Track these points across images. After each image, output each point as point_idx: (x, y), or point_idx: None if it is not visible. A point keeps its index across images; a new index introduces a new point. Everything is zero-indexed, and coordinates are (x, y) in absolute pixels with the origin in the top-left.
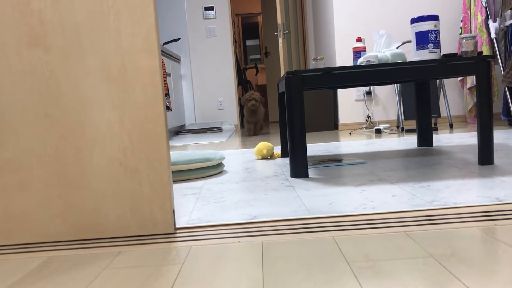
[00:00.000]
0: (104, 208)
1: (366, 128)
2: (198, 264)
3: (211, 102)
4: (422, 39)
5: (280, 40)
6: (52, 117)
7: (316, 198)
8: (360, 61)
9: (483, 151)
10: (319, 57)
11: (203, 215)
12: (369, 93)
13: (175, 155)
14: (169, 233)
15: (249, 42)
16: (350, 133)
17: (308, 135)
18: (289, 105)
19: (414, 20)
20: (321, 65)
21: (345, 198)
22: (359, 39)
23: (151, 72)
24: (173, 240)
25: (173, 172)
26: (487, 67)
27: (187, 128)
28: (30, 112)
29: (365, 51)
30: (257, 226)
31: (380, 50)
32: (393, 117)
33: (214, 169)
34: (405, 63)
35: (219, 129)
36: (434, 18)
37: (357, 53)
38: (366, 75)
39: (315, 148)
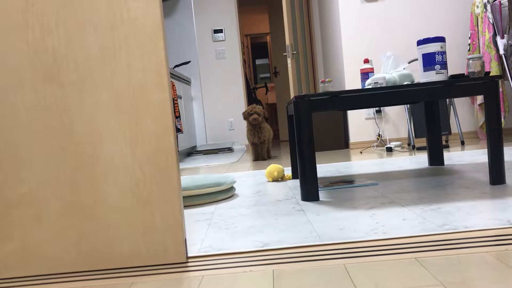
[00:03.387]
0: (117, 238)
1: (377, 146)
2: None
3: (222, 122)
4: (429, 61)
5: (289, 61)
6: (66, 150)
7: (327, 223)
8: (367, 82)
9: (494, 171)
10: (327, 80)
11: (214, 242)
12: (379, 111)
13: (186, 180)
14: (181, 262)
15: (258, 61)
16: (361, 152)
17: (319, 155)
18: (298, 129)
19: (420, 42)
20: (329, 87)
21: (356, 223)
22: (366, 61)
23: (161, 105)
24: (185, 270)
25: (184, 197)
26: (494, 87)
27: (199, 149)
28: (46, 145)
29: (373, 72)
30: (268, 254)
31: (388, 72)
32: (404, 134)
33: (225, 193)
34: (412, 85)
35: (230, 150)
36: (440, 39)
37: (365, 74)
38: (373, 98)
39: (325, 168)
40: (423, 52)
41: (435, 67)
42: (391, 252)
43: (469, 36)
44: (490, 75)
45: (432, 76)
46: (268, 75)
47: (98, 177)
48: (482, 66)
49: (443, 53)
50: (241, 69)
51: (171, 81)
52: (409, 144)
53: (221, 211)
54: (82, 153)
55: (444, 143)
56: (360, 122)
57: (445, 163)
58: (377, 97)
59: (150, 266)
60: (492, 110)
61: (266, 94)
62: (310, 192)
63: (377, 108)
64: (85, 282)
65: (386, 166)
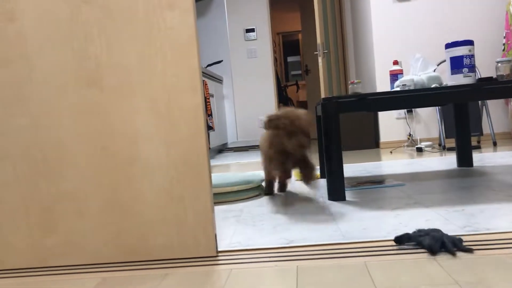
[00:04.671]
0: (152, 233)
1: (407, 146)
2: (240, 285)
3: (252, 120)
4: (457, 64)
5: (320, 60)
6: (107, 150)
7: (352, 222)
8: (396, 84)
9: None
10: (356, 81)
11: (243, 238)
12: (410, 111)
13: (216, 178)
14: (212, 256)
15: (290, 59)
16: (391, 152)
17: (348, 154)
18: (325, 130)
19: (448, 46)
20: (358, 88)
21: (380, 223)
22: (395, 62)
23: (194, 108)
24: (215, 263)
25: (215, 194)
26: None
27: (230, 146)
28: (88, 145)
29: (402, 74)
30: (293, 250)
31: (416, 74)
32: (435, 134)
33: (254, 191)
34: (439, 88)
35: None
36: (469, 43)
37: (394, 76)
38: (400, 100)
39: (354, 168)
40: (451, 55)
41: (463, 70)
42: (410, 252)
43: (504, 35)
44: None
45: (460, 79)
46: (299, 72)
47: (135, 176)
48: (511, 69)
49: (471, 56)
50: (272, 68)
51: (204, 80)
52: (440, 145)
53: (250, 209)
54: (121, 153)
55: (476, 143)
56: (391, 122)
57: (475, 164)
58: (404, 100)
59: (182, 259)
60: None
61: (297, 92)
62: (336, 192)
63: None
64: (121, 272)
65: (414, 167)
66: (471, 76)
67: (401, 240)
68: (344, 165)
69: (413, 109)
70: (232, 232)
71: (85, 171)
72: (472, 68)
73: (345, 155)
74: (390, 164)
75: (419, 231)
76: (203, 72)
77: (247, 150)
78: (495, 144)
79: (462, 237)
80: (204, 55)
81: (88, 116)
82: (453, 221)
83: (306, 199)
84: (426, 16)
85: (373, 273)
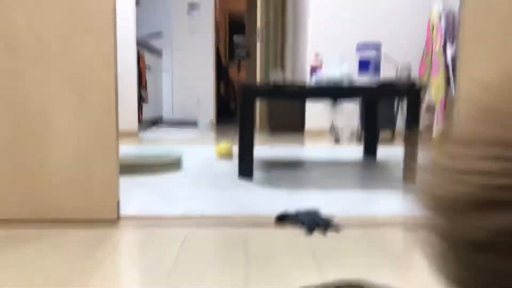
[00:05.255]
0: (59, 195)
1: (329, 134)
2: (130, 245)
3: (190, 96)
4: (364, 65)
5: (258, 44)
6: (21, 114)
7: (250, 199)
8: (313, 77)
9: (407, 168)
10: (276, 70)
11: (148, 206)
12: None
13: (137, 150)
14: (113, 220)
15: (236, 39)
16: (311, 138)
17: (272, 137)
18: (241, 113)
19: (358, 47)
20: (278, 76)
21: (274, 201)
22: (316, 56)
23: (106, 84)
24: (114, 226)
25: (133, 166)
26: (416, 93)
27: (164, 120)
28: (2, 108)
29: (321, 67)
30: (186, 219)
31: (332, 69)
32: (356, 126)
33: (172, 165)
34: (339, 86)
35: (194, 124)
36: (376, 46)
37: (314, 69)
38: (310, 92)
39: (273, 151)
40: (359, 56)
41: (369, 71)
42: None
43: (425, 41)
44: (436, 81)
45: (366, 78)
46: (244, 53)
47: (46, 141)
48: (409, 73)
49: (377, 58)
50: (213, 46)
51: (140, 51)
52: (358, 136)
53: (163, 181)
54: (34, 119)
55: (389, 138)
56: (316, 110)
57: (379, 157)
58: (311, 93)
59: (86, 220)
60: (412, 111)
61: (238, 72)
62: (245, 171)
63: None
64: (27, 229)
65: (326, 154)
66: (375, 76)
67: (282, 218)
68: (263, 147)
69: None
70: (139, 201)
71: None
72: (378, 69)
73: (270, 137)
74: (307, 149)
75: (300, 211)
76: (140, 44)
77: (181, 126)
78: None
79: (335, 218)
80: (145, 25)
81: (2, 79)
82: (337, 204)
83: (218, 176)
84: (359, 15)
85: (248, 242)
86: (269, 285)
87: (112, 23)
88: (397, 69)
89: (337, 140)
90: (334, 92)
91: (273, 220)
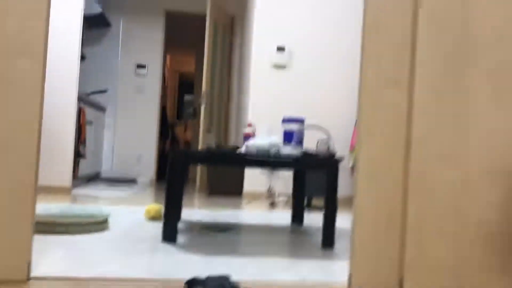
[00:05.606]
0: None
1: (266, 198)
2: None
3: (131, 153)
4: (288, 137)
5: (202, 107)
6: None
7: (166, 262)
8: (244, 145)
9: (326, 236)
10: (210, 134)
11: (62, 268)
12: None
13: (62, 208)
14: (22, 281)
15: (186, 97)
16: (247, 202)
17: (210, 199)
18: (169, 177)
19: (284, 120)
20: (212, 141)
21: (190, 266)
22: (249, 125)
23: (29, 145)
24: (23, 287)
25: (55, 224)
26: (335, 166)
27: (102, 176)
28: None
29: (254, 135)
30: (99, 281)
31: (261, 138)
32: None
33: (97, 225)
34: (263, 156)
35: (133, 181)
36: (300, 120)
37: (247, 137)
38: (236, 160)
39: (208, 214)
40: (285, 128)
41: (292, 143)
42: None
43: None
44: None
45: (289, 150)
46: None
47: None
48: (329, 147)
49: (300, 132)
50: (158, 106)
51: (82, 107)
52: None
53: (84, 241)
54: None
55: (322, 205)
56: (255, 173)
57: (306, 223)
58: (239, 160)
59: None
60: (331, 183)
61: (185, 131)
62: (169, 234)
63: None
64: None
65: (258, 219)
66: (298, 148)
67: (191, 283)
68: (199, 209)
69: None
70: (53, 261)
71: None
72: (300, 141)
73: (208, 199)
74: (242, 213)
75: (210, 277)
76: (82, 100)
77: (119, 183)
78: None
79: (242, 284)
80: (91, 82)
81: None
82: (248, 269)
83: (142, 239)
84: (296, 86)
85: None
86: None
87: (40, 88)
88: (317, 142)
89: (272, 205)
90: (261, 161)
91: (183, 285)
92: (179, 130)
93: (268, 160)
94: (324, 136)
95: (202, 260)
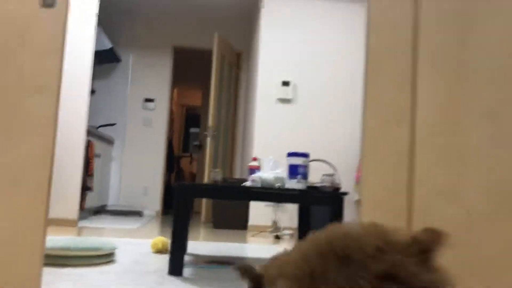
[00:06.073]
0: None
1: (271, 232)
2: None
3: (137, 186)
4: (293, 171)
5: (208, 140)
6: None
7: None
8: (250, 178)
9: None
10: (216, 170)
11: None
12: None
13: (68, 241)
14: None
15: (192, 130)
16: (253, 235)
17: (216, 232)
18: (176, 211)
19: (289, 154)
20: (218, 176)
21: None
22: (254, 159)
23: (41, 180)
24: None
25: (62, 257)
26: (339, 201)
27: (109, 209)
28: None
29: (259, 169)
30: None
31: (266, 172)
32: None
33: (103, 258)
34: (269, 189)
35: (139, 214)
36: (305, 155)
37: (252, 170)
38: (242, 193)
39: (213, 247)
40: (290, 163)
41: (297, 177)
42: None
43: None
44: None
45: (294, 184)
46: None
47: None
48: (333, 182)
49: (305, 166)
50: (165, 139)
51: (90, 140)
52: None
53: (91, 274)
54: None
55: None
56: (260, 207)
57: None
58: (245, 194)
59: None
60: (335, 218)
61: (190, 163)
62: (175, 267)
63: None
64: None
65: (264, 252)
66: (303, 183)
67: None
68: (205, 242)
69: None
70: None
71: None
72: (305, 176)
73: (214, 232)
74: (247, 247)
75: None
76: (91, 133)
77: (125, 215)
78: None
79: None
80: (100, 115)
81: None
82: None
83: (149, 272)
84: (301, 120)
85: None
86: None
87: (53, 124)
88: (321, 178)
89: (277, 238)
90: (266, 194)
91: None
92: (184, 163)
93: (273, 193)
94: (329, 170)
95: None
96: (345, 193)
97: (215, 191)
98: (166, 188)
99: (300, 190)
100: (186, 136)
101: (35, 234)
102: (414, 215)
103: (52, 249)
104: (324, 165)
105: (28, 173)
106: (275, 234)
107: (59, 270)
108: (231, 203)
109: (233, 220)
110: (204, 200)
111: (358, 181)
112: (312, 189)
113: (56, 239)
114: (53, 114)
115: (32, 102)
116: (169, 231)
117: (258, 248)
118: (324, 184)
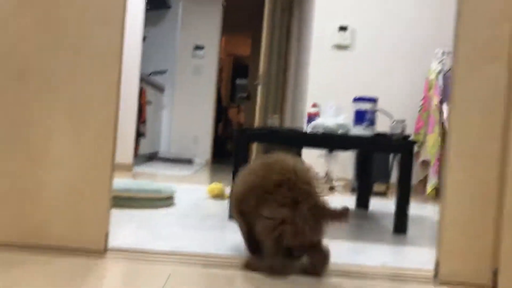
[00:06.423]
0: (50, 222)
1: (324, 183)
2: (115, 279)
3: (188, 134)
4: (360, 117)
5: (259, 89)
6: (20, 140)
7: (236, 239)
8: (309, 125)
9: (398, 221)
10: (274, 116)
11: (135, 240)
12: (330, 151)
13: (130, 183)
14: (100, 251)
15: (238, 81)
16: None
17: None
18: (236, 155)
19: (355, 99)
20: (275, 123)
21: None
22: (314, 105)
23: (107, 117)
24: (101, 258)
25: (124, 199)
26: (409, 149)
27: (160, 156)
28: (3, 133)
29: (318, 116)
30: (172, 256)
31: (328, 119)
32: (350, 176)
33: (163, 201)
34: (335, 135)
35: (189, 162)
36: (372, 100)
37: (311, 117)
38: (304, 139)
39: None
40: (356, 108)
41: (364, 123)
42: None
43: (422, 98)
44: (432, 137)
45: (360, 131)
46: (245, 95)
47: (43, 167)
48: (403, 128)
49: (372, 111)
50: (215, 88)
51: (142, 87)
52: (352, 187)
53: (153, 217)
54: (34, 145)
55: (383, 190)
56: (312, 158)
57: (371, 208)
58: (308, 140)
59: (73, 249)
60: (405, 167)
61: (238, 114)
62: None
63: None
64: (15, 253)
65: None
66: (370, 129)
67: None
68: None
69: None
70: (128, 234)
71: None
72: (372, 122)
73: None
74: None
75: None
76: (143, 80)
77: (176, 163)
78: None
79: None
80: (151, 62)
81: (9, 106)
82: None
83: (209, 216)
84: (358, 69)
85: (234, 284)
86: None
87: (118, 58)
88: (392, 123)
89: (331, 189)
90: (329, 141)
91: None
92: (232, 113)
93: (340, 140)
94: (399, 117)
95: None
96: (415, 142)
97: (277, 136)
98: (214, 138)
99: (368, 137)
100: (233, 87)
101: (103, 172)
102: (510, 164)
103: (114, 190)
104: (380, 115)
105: (96, 109)
106: (328, 185)
107: (121, 211)
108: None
109: None
110: (254, 151)
111: (417, 132)
112: (380, 136)
113: (117, 181)
114: (118, 47)
115: (98, 33)
116: (220, 178)
117: None
118: (394, 131)
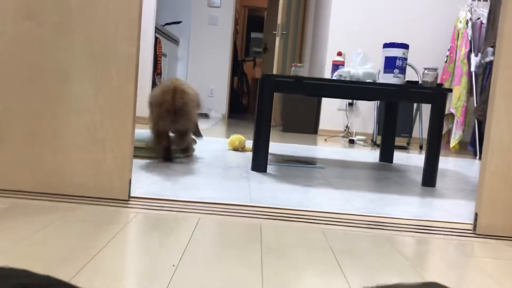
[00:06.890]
0: (70, 170)
1: (342, 137)
2: (138, 227)
3: (203, 88)
4: (390, 64)
5: (277, 40)
6: (35, 83)
7: (263, 191)
8: (335, 74)
9: (427, 173)
10: (298, 64)
11: (158, 189)
12: (351, 104)
13: (148, 134)
14: (123, 200)
15: (253, 35)
16: (325, 139)
17: (286, 135)
18: (259, 104)
19: (385, 45)
20: (300, 72)
21: (288, 195)
22: (339, 53)
23: (127, 57)
24: (125, 206)
25: (144, 148)
26: (442, 98)
27: None
28: (17, 77)
29: (343, 65)
30: (198, 205)
31: (354, 67)
32: (370, 130)
33: (184, 152)
34: (366, 83)
35: (206, 116)
36: (404, 46)
37: (336, 66)
38: (332, 88)
39: (286, 148)
40: (386, 55)
41: (394, 71)
42: (301, 220)
43: (448, 48)
44: (458, 89)
45: (390, 79)
46: (260, 49)
47: (61, 113)
48: (436, 77)
49: (404, 59)
50: (231, 39)
51: (158, 37)
52: (372, 140)
53: (175, 167)
54: (50, 88)
55: (405, 144)
56: (332, 112)
57: (395, 161)
58: (336, 89)
59: (95, 198)
60: (436, 118)
61: (253, 68)
62: (259, 163)
63: (349, 101)
64: (33, 200)
65: (340, 155)
66: (400, 77)
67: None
68: (279, 143)
69: (354, 103)
70: (150, 183)
71: (11, 101)
72: (403, 70)
73: (284, 135)
74: (321, 149)
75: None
76: (158, 30)
77: None
78: (421, 147)
79: (356, 216)
80: (164, 13)
81: (21, 48)
82: (353, 203)
83: (231, 167)
84: (383, 15)
85: (264, 233)
86: (286, 276)
87: (138, 6)
88: (423, 72)
89: (351, 142)
90: (357, 90)
91: (286, 213)
92: (247, 67)
93: (370, 89)
94: (429, 66)
95: (300, 190)
96: (449, 90)
97: (303, 84)
98: (230, 92)
99: (399, 86)
100: (249, 40)
101: (127, 121)
102: None
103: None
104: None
105: (117, 46)
106: (349, 138)
107: (142, 161)
108: (300, 106)
109: (302, 124)
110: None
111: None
112: (412, 84)
113: (138, 132)
114: None
115: None
116: (238, 131)
117: (334, 150)
118: (427, 79)
